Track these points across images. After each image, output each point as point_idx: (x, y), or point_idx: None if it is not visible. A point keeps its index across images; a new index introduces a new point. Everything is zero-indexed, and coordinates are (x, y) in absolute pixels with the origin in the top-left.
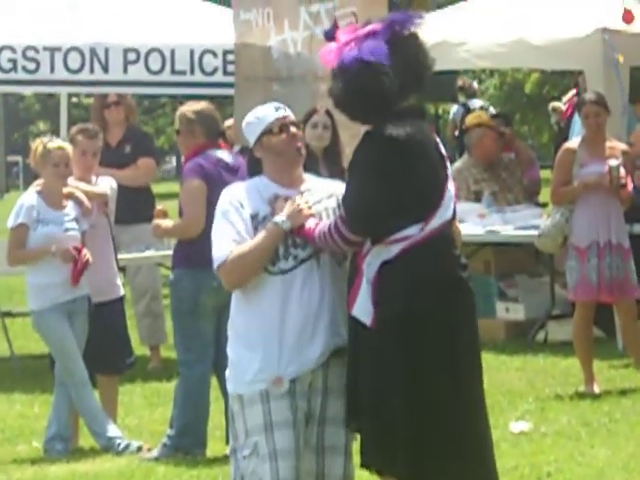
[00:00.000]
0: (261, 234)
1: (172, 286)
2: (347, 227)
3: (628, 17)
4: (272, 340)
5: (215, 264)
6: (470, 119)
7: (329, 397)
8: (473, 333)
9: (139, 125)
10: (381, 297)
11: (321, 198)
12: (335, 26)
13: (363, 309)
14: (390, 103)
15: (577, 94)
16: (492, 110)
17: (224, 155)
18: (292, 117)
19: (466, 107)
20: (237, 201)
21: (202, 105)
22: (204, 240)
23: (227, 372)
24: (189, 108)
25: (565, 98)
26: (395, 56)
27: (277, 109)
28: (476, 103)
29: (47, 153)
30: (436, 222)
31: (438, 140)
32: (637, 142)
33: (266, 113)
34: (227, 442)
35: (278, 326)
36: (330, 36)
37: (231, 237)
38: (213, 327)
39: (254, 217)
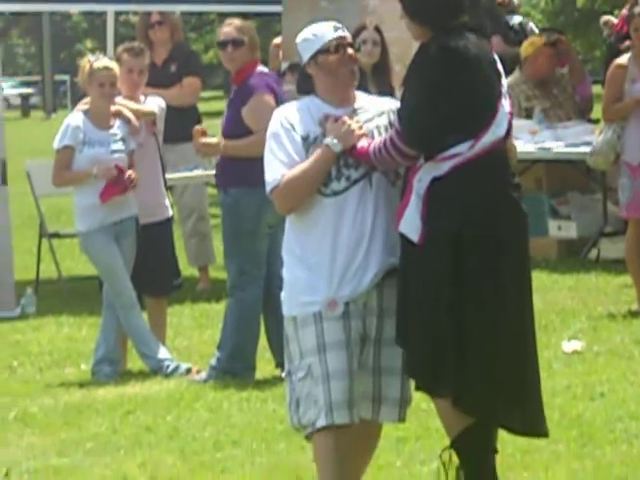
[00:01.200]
0: (313, 156)
1: (230, 206)
2: (402, 140)
3: None
4: (326, 262)
5: (268, 188)
6: (526, 49)
7: (385, 318)
8: (524, 255)
9: (185, 43)
10: (430, 214)
11: (373, 116)
12: None
13: (411, 225)
14: (464, 7)
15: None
16: (532, 26)
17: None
18: (349, 38)
19: (505, 23)
20: (288, 122)
21: None
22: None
23: (282, 294)
24: (247, 23)
25: (620, 13)
26: None
27: (336, 29)
28: (515, 19)
29: (93, 72)
30: (488, 139)
31: (496, 57)
32: None
33: (324, 32)
34: (276, 365)
35: (332, 248)
36: None
37: (283, 160)
38: (266, 248)
39: (305, 139)
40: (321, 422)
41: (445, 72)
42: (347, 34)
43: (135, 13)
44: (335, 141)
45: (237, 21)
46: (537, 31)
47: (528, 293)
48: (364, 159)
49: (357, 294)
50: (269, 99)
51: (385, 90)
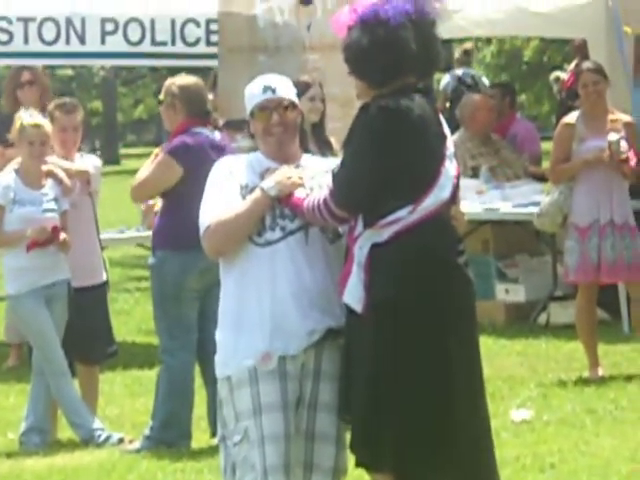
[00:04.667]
0: (247, 200)
1: (154, 269)
2: (333, 200)
3: None
4: (259, 315)
5: (201, 230)
6: (463, 107)
7: (321, 381)
8: (470, 323)
9: None
10: (372, 282)
11: (315, 174)
12: None
13: (354, 295)
14: (408, 69)
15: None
16: (485, 80)
17: (210, 133)
18: (279, 98)
19: (457, 78)
20: (228, 170)
21: (190, 81)
22: (190, 220)
23: (216, 357)
24: (177, 81)
25: (569, 67)
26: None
27: (265, 90)
28: (468, 72)
29: (23, 130)
30: (429, 203)
31: (442, 119)
32: None
33: (254, 93)
34: (212, 434)
35: (265, 299)
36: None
37: (218, 204)
38: (197, 313)
39: (244, 187)
40: None
41: (383, 134)
42: (278, 93)
43: (62, 66)
44: (271, 185)
45: (177, 79)
46: (488, 85)
47: (477, 362)
48: (298, 211)
49: (292, 349)
50: (166, 162)
51: (324, 147)
